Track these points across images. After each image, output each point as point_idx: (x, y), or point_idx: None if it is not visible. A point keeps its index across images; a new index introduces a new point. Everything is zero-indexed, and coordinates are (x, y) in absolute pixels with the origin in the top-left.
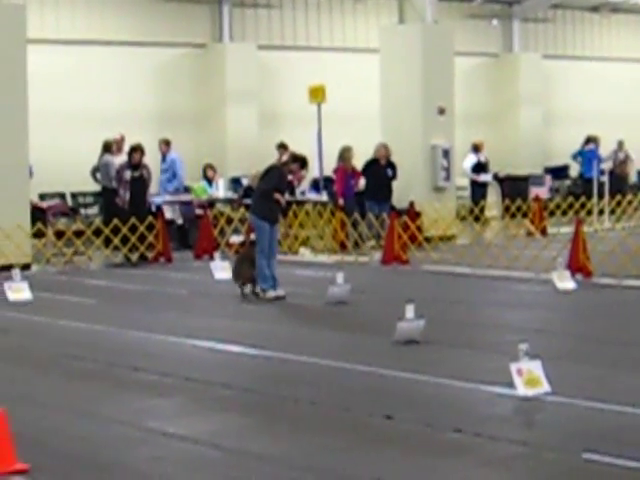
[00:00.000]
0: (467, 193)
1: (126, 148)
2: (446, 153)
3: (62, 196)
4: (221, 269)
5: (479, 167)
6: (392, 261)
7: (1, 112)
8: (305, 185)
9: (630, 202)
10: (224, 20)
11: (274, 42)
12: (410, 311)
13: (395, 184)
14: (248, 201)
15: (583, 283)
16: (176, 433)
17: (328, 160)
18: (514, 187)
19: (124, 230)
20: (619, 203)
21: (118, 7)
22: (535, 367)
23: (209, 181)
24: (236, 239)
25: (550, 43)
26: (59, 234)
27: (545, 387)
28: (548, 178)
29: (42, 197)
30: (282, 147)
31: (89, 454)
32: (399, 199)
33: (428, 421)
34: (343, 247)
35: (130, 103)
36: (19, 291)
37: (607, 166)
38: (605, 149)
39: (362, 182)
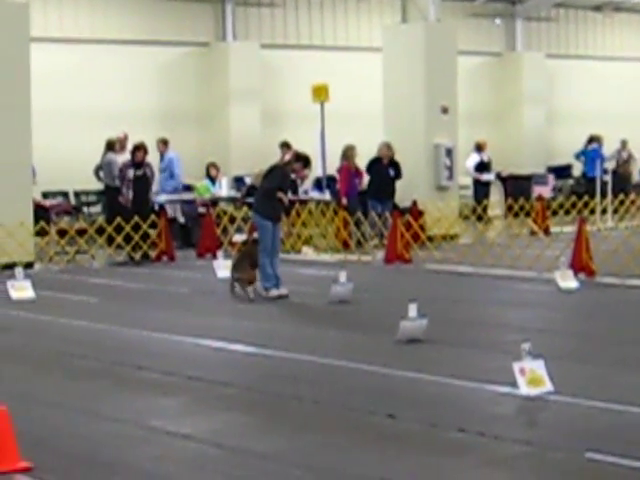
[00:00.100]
0: (470, 192)
1: (129, 147)
2: (449, 152)
3: (65, 194)
4: (224, 268)
5: (482, 166)
6: (395, 260)
7: (4, 110)
8: (308, 184)
9: (633, 201)
10: (227, 19)
11: (277, 41)
12: (413, 310)
13: (398, 183)
14: (251, 200)
15: (586, 282)
16: (179, 432)
17: (331, 159)
18: (517, 186)
19: (127, 229)
20: (622, 202)
21: (121, 6)
22: (538, 366)
23: (212, 180)
24: (239, 238)
25: (553, 42)
26: (62, 232)
27: (548, 386)
28: (551, 177)
29: (45, 195)
30: (285, 146)
31: (92, 452)
32: (402, 198)
33: (431, 420)
34: (346, 246)
35: (133, 102)
36: (22, 289)
37: (610, 165)
38: (608, 148)
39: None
